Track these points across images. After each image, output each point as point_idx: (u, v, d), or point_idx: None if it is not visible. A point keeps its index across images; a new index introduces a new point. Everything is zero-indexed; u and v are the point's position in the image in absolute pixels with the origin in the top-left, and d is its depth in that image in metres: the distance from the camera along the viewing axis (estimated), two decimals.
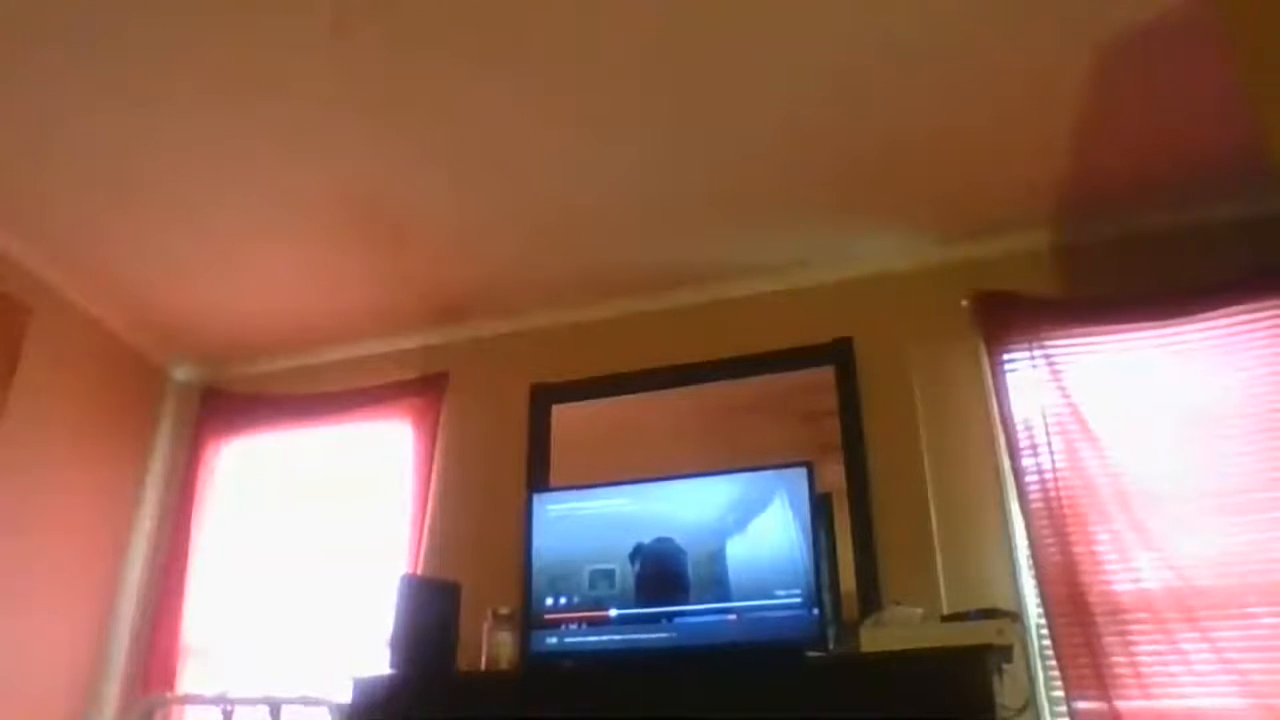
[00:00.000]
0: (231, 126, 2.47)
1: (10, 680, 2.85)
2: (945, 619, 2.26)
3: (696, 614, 2.34)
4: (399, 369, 3.32)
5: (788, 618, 2.26)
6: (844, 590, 2.51)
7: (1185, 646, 2.25)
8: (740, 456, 2.58)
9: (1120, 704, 2.23)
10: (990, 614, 2.16)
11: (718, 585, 2.34)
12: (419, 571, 2.92)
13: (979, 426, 2.66)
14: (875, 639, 2.12)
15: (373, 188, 2.69)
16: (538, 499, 2.61)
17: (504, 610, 2.55)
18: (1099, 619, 2.31)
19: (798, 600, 2.26)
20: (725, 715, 2.06)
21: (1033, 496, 2.47)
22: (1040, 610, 2.41)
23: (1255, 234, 2.50)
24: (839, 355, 2.80)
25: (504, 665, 2.50)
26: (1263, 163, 2.09)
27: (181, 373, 3.63)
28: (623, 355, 3.03)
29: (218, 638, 3.16)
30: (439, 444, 3.16)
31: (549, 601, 2.47)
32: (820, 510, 2.40)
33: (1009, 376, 2.62)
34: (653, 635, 2.35)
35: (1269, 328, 2.45)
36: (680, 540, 2.41)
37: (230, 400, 3.50)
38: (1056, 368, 2.59)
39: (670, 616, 2.36)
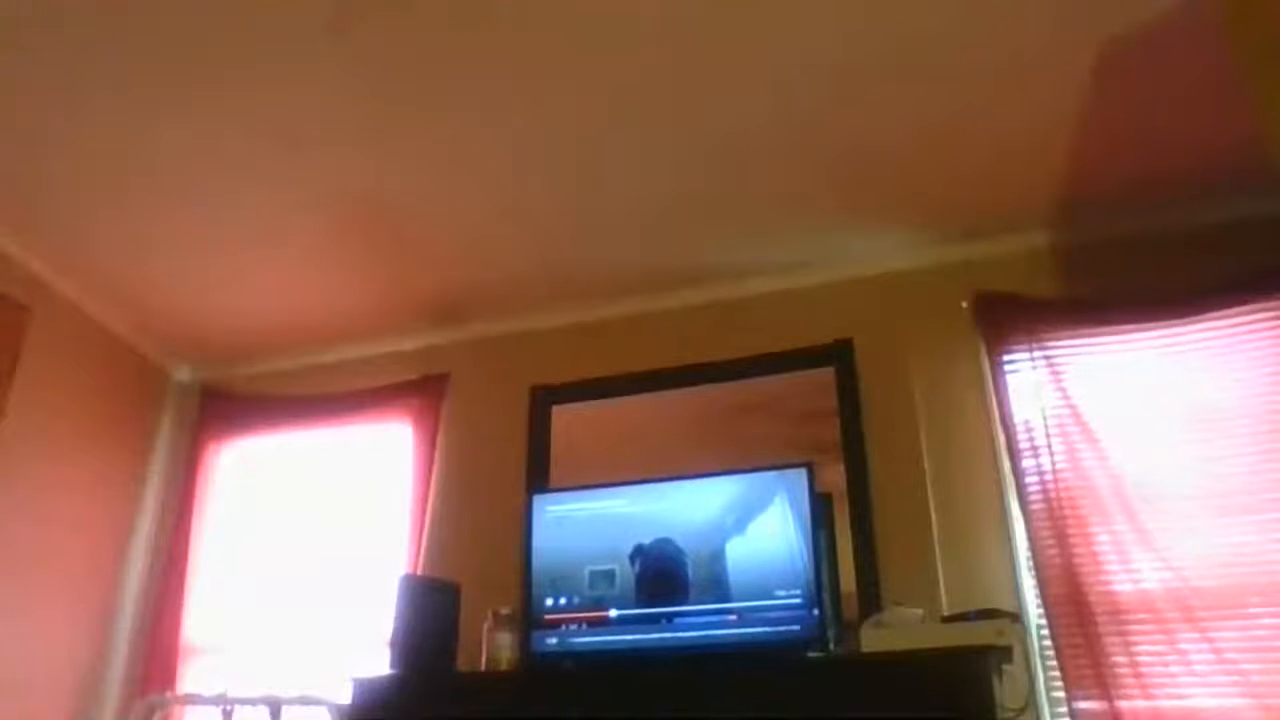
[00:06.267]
0: (232, 128, 2.48)
1: (10, 680, 2.85)
2: (945, 619, 2.26)
3: (696, 614, 2.33)
4: (399, 370, 3.32)
5: (788, 618, 2.25)
6: (844, 590, 2.50)
7: (1185, 646, 2.25)
8: (740, 457, 2.58)
9: (1120, 704, 2.23)
10: (990, 614, 2.16)
11: (718, 585, 2.34)
12: (419, 571, 2.92)
13: (979, 427, 2.65)
14: (875, 639, 2.12)
15: (373, 189, 2.70)
16: (538, 499, 2.61)
17: (504, 610, 2.55)
18: (1099, 619, 2.31)
19: (798, 600, 2.26)
20: (725, 715, 2.06)
21: (1033, 497, 2.47)
22: (1040, 610, 2.41)
23: (1255, 234, 2.50)
24: (839, 356, 2.80)
25: (504, 665, 2.50)
26: (1263, 163, 2.10)
27: (182, 373, 3.63)
28: (622, 356, 3.03)
29: (218, 638, 3.16)
30: (439, 445, 3.16)
31: (549, 602, 2.47)
32: (820, 510, 2.39)
33: (1009, 377, 2.62)
34: (653, 635, 2.35)
35: (1269, 328, 2.45)
36: (680, 541, 2.41)
37: (230, 401, 3.50)
38: (1057, 368, 2.59)
39: (670, 617, 2.36)
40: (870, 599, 2.47)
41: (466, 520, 3.03)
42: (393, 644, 2.44)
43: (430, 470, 3.11)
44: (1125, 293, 2.59)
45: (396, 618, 2.46)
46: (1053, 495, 2.46)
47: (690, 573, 2.37)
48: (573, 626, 2.43)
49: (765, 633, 2.26)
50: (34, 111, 2.44)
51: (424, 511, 3.04)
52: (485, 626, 2.54)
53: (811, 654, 2.21)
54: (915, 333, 2.79)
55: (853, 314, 2.86)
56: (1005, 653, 2.08)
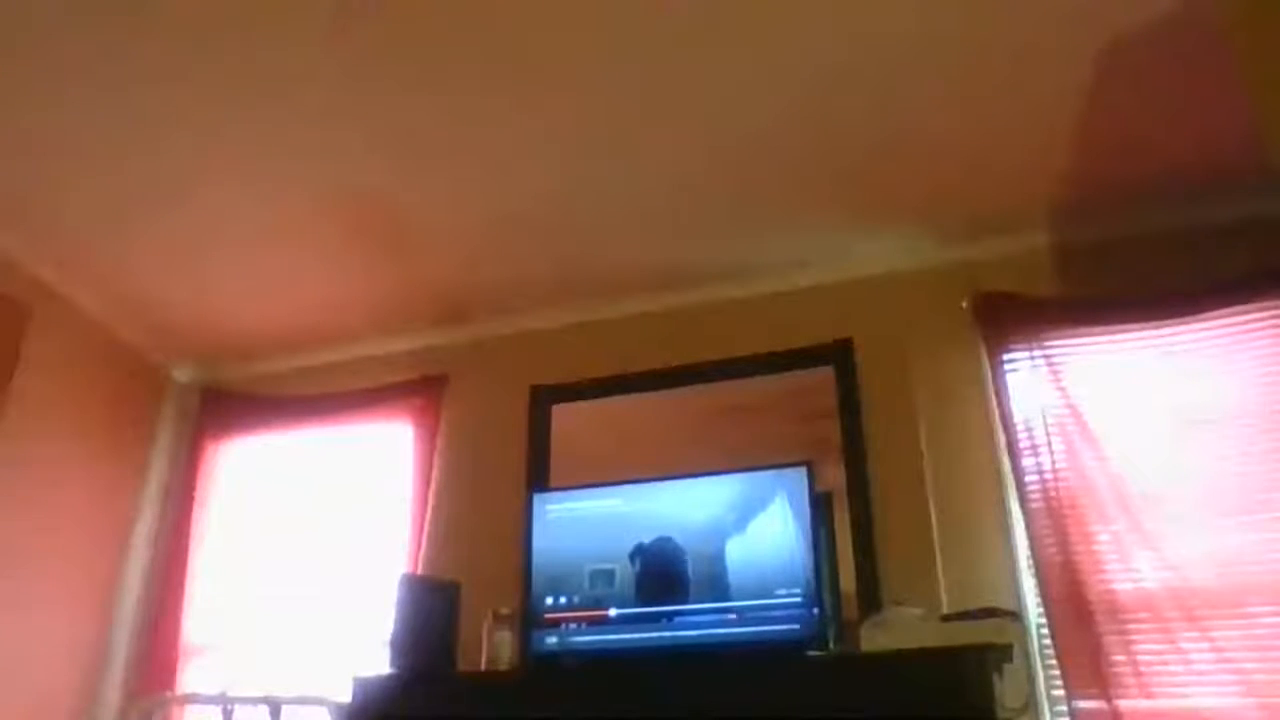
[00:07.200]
0: (232, 128, 2.48)
1: (10, 680, 2.85)
2: (945, 619, 2.26)
3: (697, 614, 2.34)
4: (399, 370, 3.31)
5: (788, 617, 2.26)
6: (844, 590, 2.51)
7: (1185, 646, 2.25)
8: (740, 456, 2.58)
9: (1120, 703, 2.23)
10: (990, 614, 2.16)
11: (718, 585, 2.34)
12: (419, 571, 2.92)
13: (979, 427, 2.65)
14: (875, 638, 2.12)
15: (373, 189, 2.70)
16: (538, 499, 2.61)
17: (504, 610, 2.55)
18: (1099, 618, 2.31)
19: (798, 600, 2.26)
20: (725, 715, 2.06)
21: (1033, 496, 2.47)
22: (1040, 610, 2.41)
23: (1255, 234, 2.50)
24: (839, 356, 2.80)
25: (504, 665, 2.50)
26: (1263, 163, 2.10)
27: (181, 373, 3.63)
28: (622, 355, 3.03)
29: (218, 638, 3.16)
30: (439, 444, 3.16)
31: (549, 601, 2.47)
32: (820, 510, 2.40)
33: (1009, 377, 2.62)
34: (653, 635, 2.35)
35: (1269, 329, 2.45)
36: (680, 540, 2.41)
37: (230, 400, 3.50)
38: (1056, 368, 2.59)
39: (670, 616, 2.36)
40: (870, 598, 2.47)
41: (466, 520, 3.03)
42: (393, 644, 2.44)
43: (430, 470, 3.11)
44: (1125, 293, 2.59)
45: (396, 618, 2.46)
46: (1053, 495, 2.46)
47: (690, 572, 2.37)
48: (573, 626, 2.43)
49: (765, 632, 2.26)
50: (34, 112, 2.44)
51: (424, 511, 3.04)
52: (485, 626, 2.54)
53: (811, 653, 2.21)
54: (915, 333, 2.79)
55: (853, 314, 2.86)
56: (1005, 652, 2.08)
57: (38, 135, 2.52)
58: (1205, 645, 2.23)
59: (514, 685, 2.36)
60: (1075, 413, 2.53)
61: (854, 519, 2.59)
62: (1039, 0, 2.04)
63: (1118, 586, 2.35)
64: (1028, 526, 2.46)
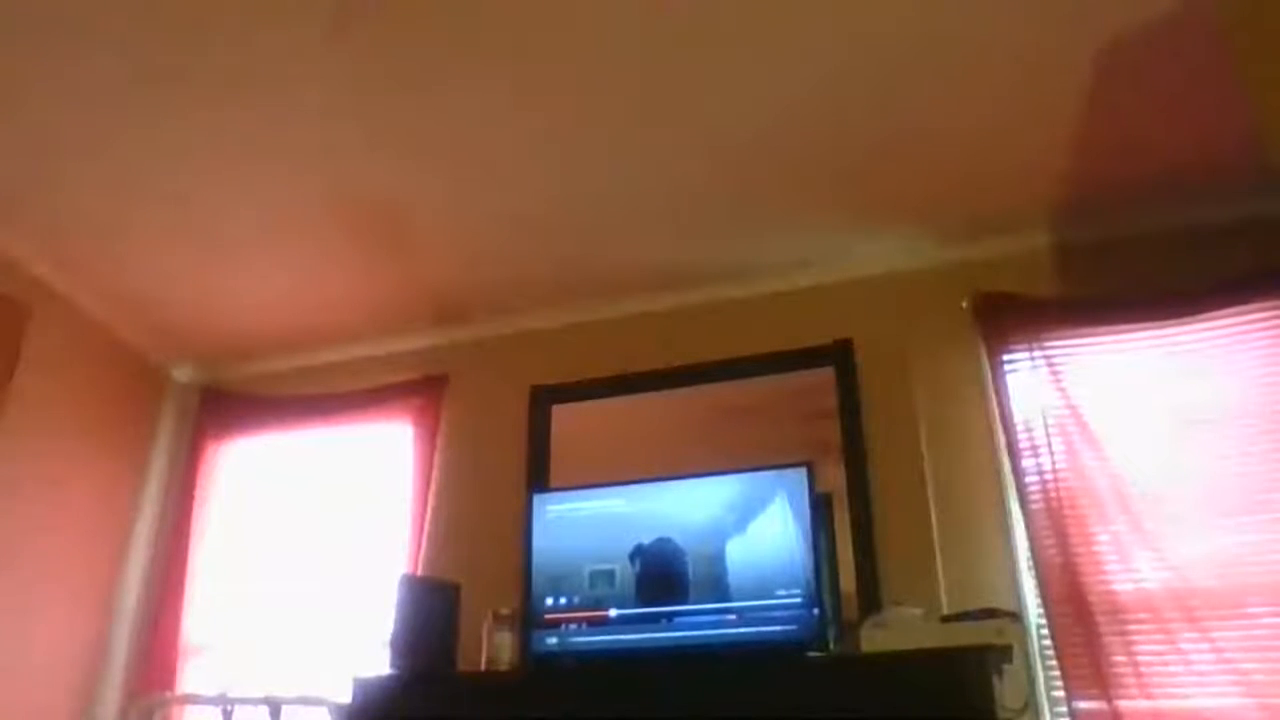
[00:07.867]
0: (232, 128, 2.48)
1: (10, 680, 2.85)
2: (945, 619, 2.26)
3: (696, 614, 2.33)
4: (399, 370, 3.31)
5: (788, 618, 2.25)
6: (844, 590, 2.50)
7: (1185, 646, 2.25)
8: (740, 457, 2.57)
9: (1121, 704, 2.23)
10: (990, 614, 2.16)
11: (718, 585, 2.34)
12: (419, 571, 2.92)
13: (979, 427, 2.65)
14: (875, 639, 2.12)
15: (373, 190, 2.70)
16: (538, 499, 2.61)
17: (504, 610, 2.55)
18: (1099, 619, 2.31)
19: (798, 600, 2.26)
20: (725, 715, 2.06)
21: (1033, 497, 2.47)
22: (1040, 610, 2.41)
23: (1255, 234, 2.50)
24: (839, 356, 2.80)
25: (504, 665, 2.50)
26: (1263, 163, 2.11)
27: (181, 373, 3.63)
28: (622, 356, 3.03)
29: (218, 638, 3.16)
30: (439, 444, 3.16)
31: (549, 601, 2.47)
32: (820, 510, 2.39)
33: (1009, 377, 2.62)
34: (653, 635, 2.35)
35: (1269, 329, 2.45)
36: (680, 540, 2.41)
37: (230, 400, 3.50)
38: (1056, 368, 2.59)
39: (670, 616, 2.36)
40: (870, 599, 2.47)
41: (466, 520, 3.03)
42: (393, 644, 2.44)
43: (430, 470, 3.11)
44: (1125, 293, 2.59)
45: (396, 618, 2.46)
46: (1053, 495, 2.46)
47: (690, 572, 2.37)
48: (573, 626, 2.43)
49: (765, 632, 2.26)
50: (35, 113, 2.44)
51: (424, 511, 3.04)
52: (485, 626, 2.54)
53: (811, 654, 2.21)
54: (915, 333, 2.79)
55: (853, 314, 2.86)
56: (1005, 652, 2.07)
57: (37, 135, 2.52)
58: (1205, 646, 2.23)
59: (514, 686, 2.35)
60: (1075, 413, 2.53)
61: (854, 519, 2.59)
62: (1039, 0, 2.04)
63: (1118, 587, 2.35)
64: (1028, 527, 2.46)
